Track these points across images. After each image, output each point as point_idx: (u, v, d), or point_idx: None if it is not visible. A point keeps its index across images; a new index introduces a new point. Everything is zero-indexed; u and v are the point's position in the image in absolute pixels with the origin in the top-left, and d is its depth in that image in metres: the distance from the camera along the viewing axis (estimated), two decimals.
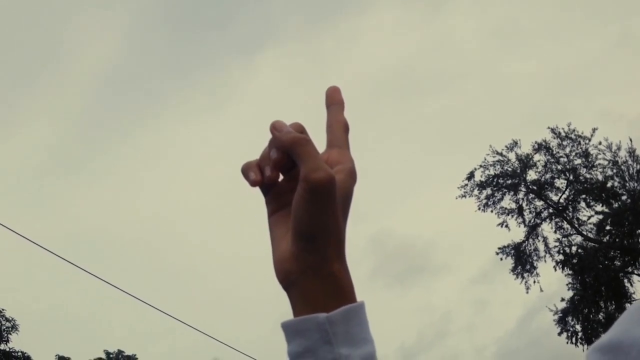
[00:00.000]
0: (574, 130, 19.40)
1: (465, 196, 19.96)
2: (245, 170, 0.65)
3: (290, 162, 0.64)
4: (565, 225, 19.76)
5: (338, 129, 0.68)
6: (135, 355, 37.14)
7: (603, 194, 19.27)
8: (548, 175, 19.79)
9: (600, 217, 19.47)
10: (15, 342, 27.36)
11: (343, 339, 0.61)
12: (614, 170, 19.30)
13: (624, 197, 19.30)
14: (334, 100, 0.69)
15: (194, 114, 51.80)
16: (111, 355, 36.76)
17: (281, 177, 0.67)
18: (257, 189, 0.67)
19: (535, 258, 19.69)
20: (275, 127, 0.64)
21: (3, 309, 26.81)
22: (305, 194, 0.61)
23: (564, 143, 19.51)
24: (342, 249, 0.64)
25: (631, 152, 19.01)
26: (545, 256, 19.62)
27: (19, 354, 27.61)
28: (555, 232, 19.77)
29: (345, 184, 0.64)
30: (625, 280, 19.38)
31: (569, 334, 18.91)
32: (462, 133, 38.54)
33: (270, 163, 0.64)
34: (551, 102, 35.75)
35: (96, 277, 11.17)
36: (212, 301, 45.65)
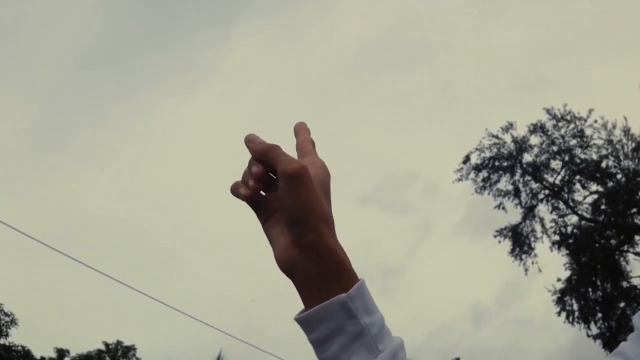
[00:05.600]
0: (569, 112, 19.47)
1: (461, 179, 20.05)
2: (235, 189, 0.75)
3: (271, 179, 0.75)
4: (561, 205, 19.88)
5: (306, 145, 0.79)
6: (134, 345, 37.29)
7: (598, 174, 19.37)
8: (544, 157, 19.87)
9: (596, 196, 19.59)
10: (15, 336, 27.41)
11: (362, 310, 0.70)
12: (609, 150, 19.39)
13: (618, 176, 19.40)
14: (301, 129, 0.81)
15: (170, 90, 50.96)
16: (110, 346, 36.83)
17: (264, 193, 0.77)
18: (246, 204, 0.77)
19: (532, 239, 19.83)
20: (249, 140, 0.74)
21: (1, 304, 26.79)
22: (285, 185, 0.70)
23: (560, 124, 19.57)
24: (333, 228, 0.72)
25: (626, 131, 19.09)
26: (542, 237, 19.77)
27: (19, 347, 27.67)
28: (551, 212, 19.90)
29: (320, 176, 0.75)
30: (621, 259, 19.55)
31: (567, 314, 19.07)
32: (446, 104, 38.30)
33: (251, 177, 0.73)
34: (537, 71, 35.58)
35: (92, 268, 11.15)
36: (213, 289, 45.64)
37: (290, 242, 0.71)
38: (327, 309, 0.69)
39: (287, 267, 0.72)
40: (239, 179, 0.75)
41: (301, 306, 0.73)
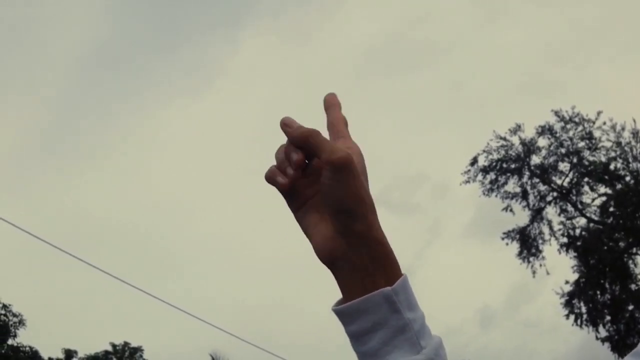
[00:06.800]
0: (578, 114, 19.40)
1: (469, 181, 19.99)
2: (272, 177, 0.70)
3: (304, 164, 0.70)
4: (569, 207, 19.81)
5: (339, 124, 0.74)
6: (141, 346, 37.38)
7: (606, 176, 19.30)
8: (552, 159, 19.81)
9: (604, 199, 19.52)
10: (23, 337, 27.51)
11: (406, 305, 0.67)
12: (618, 152, 19.31)
13: (627, 178, 19.32)
14: (331, 103, 0.75)
15: (175, 93, 51.17)
16: (117, 347, 36.95)
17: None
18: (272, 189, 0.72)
19: (540, 242, 19.76)
20: (285, 124, 0.69)
21: (10, 304, 26.91)
22: (332, 175, 0.66)
23: (568, 126, 19.51)
24: (377, 217, 0.69)
25: (635, 133, 19.00)
26: (550, 239, 19.70)
27: (27, 348, 27.78)
28: (559, 215, 19.83)
29: (361, 163, 0.71)
30: (630, 262, 19.46)
31: (576, 316, 19.00)
32: (454, 106, 38.25)
33: (292, 165, 0.69)
34: (546, 72, 35.48)
35: (100, 270, 11.20)
36: (217, 291, 45.68)
37: (334, 232, 0.68)
38: (370, 302, 0.66)
39: (330, 257, 0.69)
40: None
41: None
